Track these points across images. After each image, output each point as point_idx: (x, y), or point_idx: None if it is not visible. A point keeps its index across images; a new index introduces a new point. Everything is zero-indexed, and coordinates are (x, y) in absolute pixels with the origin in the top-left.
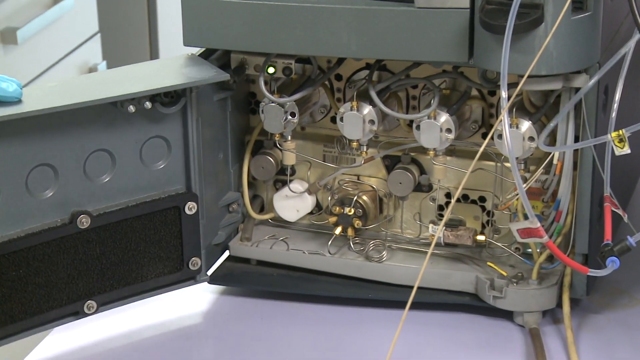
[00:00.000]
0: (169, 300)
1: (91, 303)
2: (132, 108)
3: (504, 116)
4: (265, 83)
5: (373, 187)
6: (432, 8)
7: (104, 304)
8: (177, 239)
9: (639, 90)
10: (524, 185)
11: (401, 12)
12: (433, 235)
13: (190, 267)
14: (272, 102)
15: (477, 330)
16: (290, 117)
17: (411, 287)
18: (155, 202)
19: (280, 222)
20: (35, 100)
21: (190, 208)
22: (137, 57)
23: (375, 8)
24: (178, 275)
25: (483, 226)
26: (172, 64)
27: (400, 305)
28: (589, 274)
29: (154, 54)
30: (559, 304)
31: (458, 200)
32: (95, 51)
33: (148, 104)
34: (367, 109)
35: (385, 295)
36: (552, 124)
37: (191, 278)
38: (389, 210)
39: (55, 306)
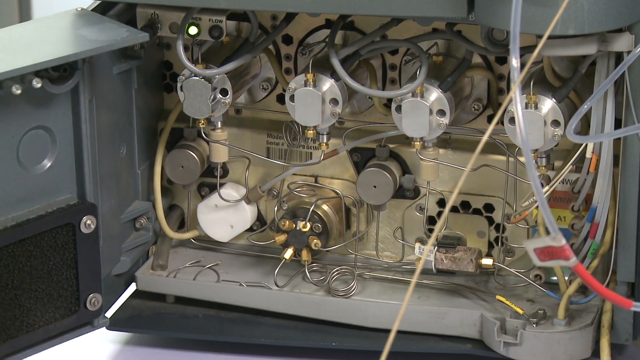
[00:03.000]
0: (53, 355)
1: None
2: (16, 89)
3: (516, 92)
4: (186, 49)
5: (337, 193)
6: None
7: None
8: (71, 269)
9: None
10: (546, 188)
11: None
12: (421, 259)
13: (89, 306)
14: (195, 76)
15: None
16: (220, 95)
17: (389, 332)
18: (42, 219)
19: (207, 243)
20: None
21: (88, 224)
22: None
23: None
24: (73, 319)
25: (490, 246)
26: (60, 23)
27: (376, 356)
28: (633, 309)
29: (24, 10)
30: (596, 352)
31: (455, 210)
32: None
33: (36, 82)
34: (327, 84)
35: (354, 344)
36: (585, 106)
37: (88, 323)
38: (359, 225)
39: None
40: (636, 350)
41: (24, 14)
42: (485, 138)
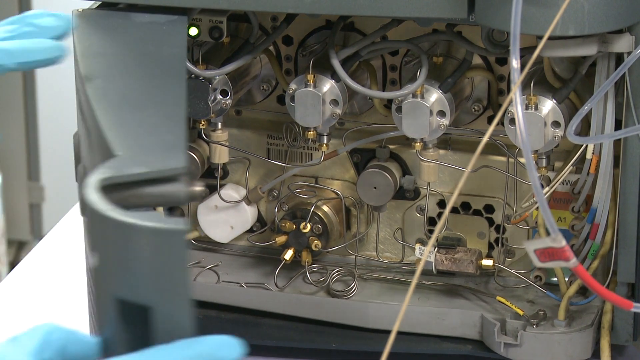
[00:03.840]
0: None
1: None
2: None
3: (516, 93)
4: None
5: (337, 194)
6: None
7: None
8: None
9: None
10: (546, 189)
11: None
12: (421, 260)
13: None
14: (195, 77)
15: None
16: (220, 96)
17: (390, 333)
18: None
19: (207, 244)
20: None
21: None
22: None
23: None
24: None
25: (491, 247)
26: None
27: (376, 357)
28: (633, 310)
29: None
30: (596, 353)
31: (455, 211)
32: None
33: None
34: (327, 85)
35: (355, 345)
36: (585, 107)
37: None
38: (359, 226)
39: None
40: (637, 351)
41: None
42: (485, 139)
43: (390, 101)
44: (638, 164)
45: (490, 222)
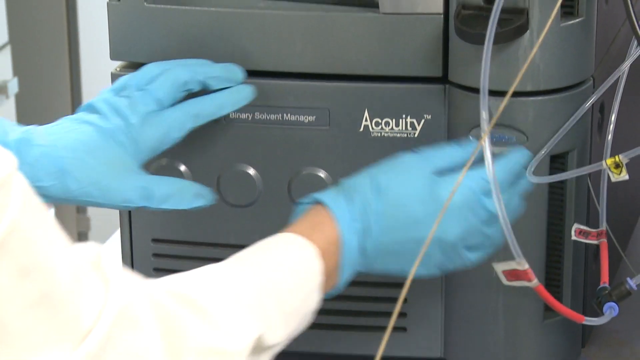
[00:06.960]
0: None
1: None
2: None
3: (485, 140)
4: None
5: None
6: (399, 14)
7: None
8: None
9: None
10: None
11: (364, 19)
12: None
13: None
14: None
15: None
16: None
17: None
18: None
19: None
20: None
21: None
22: (54, 72)
23: (334, 14)
24: None
25: None
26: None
27: None
28: (584, 322)
29: (74, 69)
30: None
31: None
32: (5, 65)
33: None
34: None
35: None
36: (543, 152)
37: None
38: None
39: None
40: (585, 357)
41: (74, 70)
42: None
43: None
44: (585, 197)
45: None
